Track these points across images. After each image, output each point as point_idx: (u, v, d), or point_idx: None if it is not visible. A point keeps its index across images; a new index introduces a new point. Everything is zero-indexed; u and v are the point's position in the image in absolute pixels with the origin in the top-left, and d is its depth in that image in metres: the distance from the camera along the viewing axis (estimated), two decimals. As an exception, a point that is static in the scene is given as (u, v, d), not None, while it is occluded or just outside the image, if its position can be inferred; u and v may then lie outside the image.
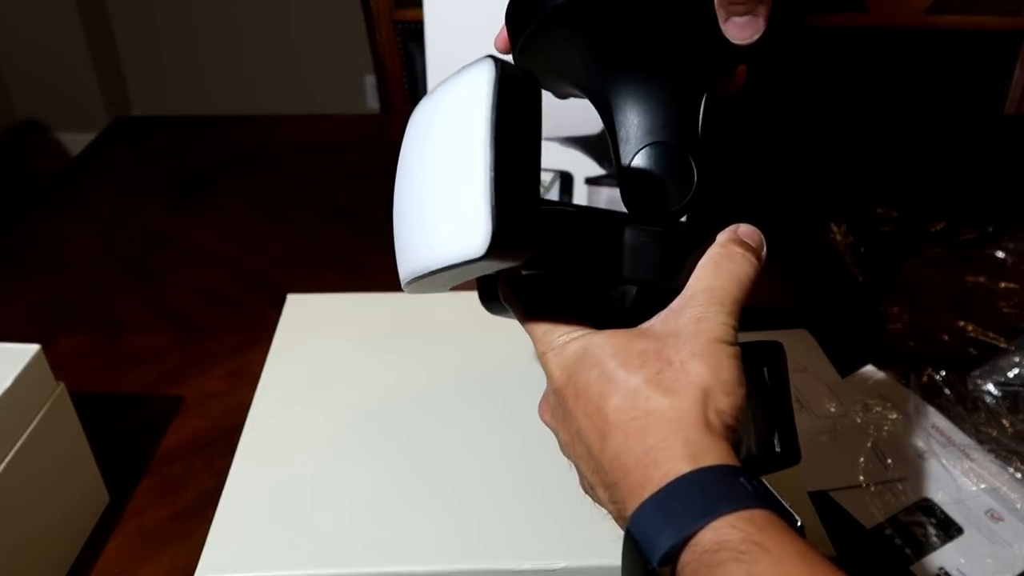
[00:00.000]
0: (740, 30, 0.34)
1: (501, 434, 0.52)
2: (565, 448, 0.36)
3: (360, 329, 0.62)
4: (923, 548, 0.51)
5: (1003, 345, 0.65)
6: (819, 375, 0.63)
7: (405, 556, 0.44)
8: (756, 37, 0.34)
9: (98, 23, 2.55)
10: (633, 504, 0.30)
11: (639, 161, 0.36)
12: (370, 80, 2.50)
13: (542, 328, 0.36)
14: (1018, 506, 0.52)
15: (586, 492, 0.36)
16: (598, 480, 0.33)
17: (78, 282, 0.81)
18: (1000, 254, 0.76)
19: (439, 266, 0.30)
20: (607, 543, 0.45)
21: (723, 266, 0.35)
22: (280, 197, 0.96)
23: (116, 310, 0.77)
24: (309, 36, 2.50)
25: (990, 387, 0.61)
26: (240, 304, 0.77)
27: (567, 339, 0.35)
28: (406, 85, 1.24)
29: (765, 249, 0.36)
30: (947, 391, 0.61)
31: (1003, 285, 0.72)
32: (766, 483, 0.31)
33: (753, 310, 0.36)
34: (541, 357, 0.36)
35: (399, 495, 0.48)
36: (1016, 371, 0.62)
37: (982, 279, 0.73)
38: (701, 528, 0.28)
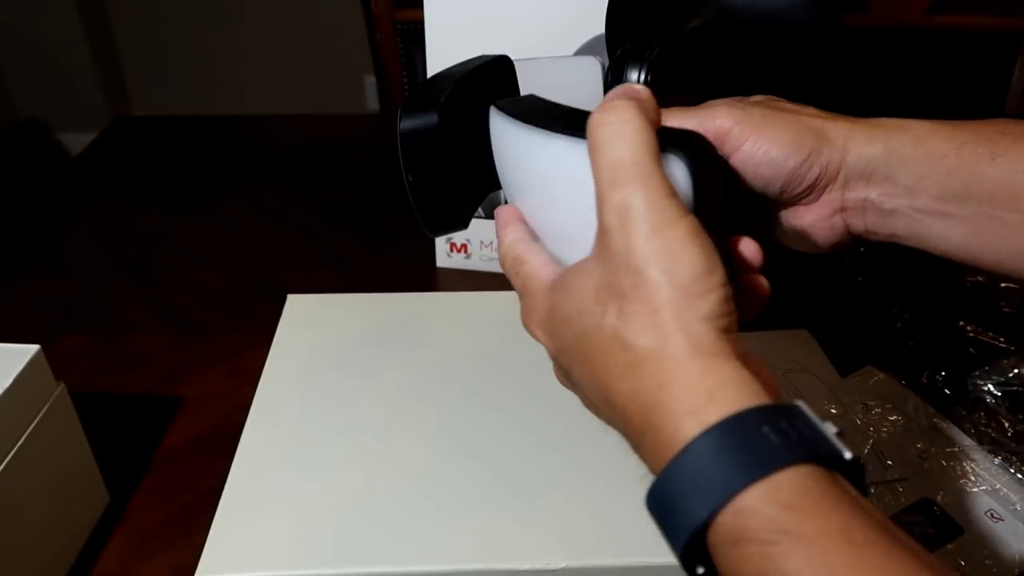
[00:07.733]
0: None
1: (501, 434, 0.52)
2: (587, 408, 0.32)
3: (360, 329, 0.62)
4: (923, 548, 0.51)
5: (1003, 345, 0.65)
6: (819, 375, 0.63)
7: (405, 556, 0.44)
8: None
9: (98, 23, 2.55)
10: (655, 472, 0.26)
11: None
12: (370, 80, 2.50)
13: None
14: (1018, 506, 0.52)
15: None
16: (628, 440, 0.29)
17: (78, 282, 0.81)
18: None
19: None
20: (607, 543, 0.45)
21: (610, 139, 0.27)
22: (280, 197, 0.95)
23: (116, 310, 0.77)
24: (310, 36, 2.50)
25: (990, 387, 0.61)
26: (240, 304, 0.77)
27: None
28: (406, 85, 1.24)
29: (646, 94, 0.29)
30: (947, 391, 0.61)
31: (1003, 285, 0.72)
32: (800, 407, 0.25)
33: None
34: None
35: (399, 495, 0.48)
36: (1016, 371, 0.62)
37: (982, 279, 0.73)
38: (718, 513, 0.23)
